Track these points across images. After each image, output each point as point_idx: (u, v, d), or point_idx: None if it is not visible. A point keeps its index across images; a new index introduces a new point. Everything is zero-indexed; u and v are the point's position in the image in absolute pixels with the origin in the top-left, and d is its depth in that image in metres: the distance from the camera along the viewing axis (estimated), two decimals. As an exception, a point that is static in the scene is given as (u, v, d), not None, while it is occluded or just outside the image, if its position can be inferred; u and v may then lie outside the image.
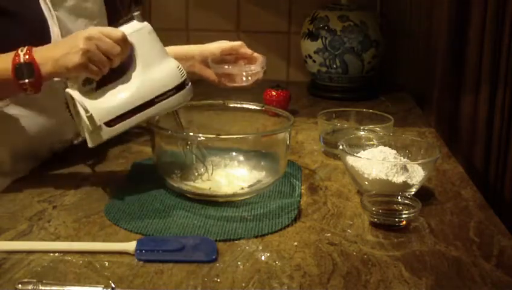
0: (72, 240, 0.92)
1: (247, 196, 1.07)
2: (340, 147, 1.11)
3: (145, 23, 1.04)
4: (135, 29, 1.03)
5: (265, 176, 1.11)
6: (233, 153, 1.16)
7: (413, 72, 1.94)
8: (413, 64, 1.93)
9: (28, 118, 1.13)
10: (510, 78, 1.31)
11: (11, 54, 0.99)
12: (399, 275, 0.84)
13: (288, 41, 2.05)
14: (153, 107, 1.03)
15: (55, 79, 1.04)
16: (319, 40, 1.79)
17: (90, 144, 1.02)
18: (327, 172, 1.22)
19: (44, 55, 0.99)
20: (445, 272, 0.85)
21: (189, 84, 1.06)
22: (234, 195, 1.07)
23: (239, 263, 0.86)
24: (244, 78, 1.25)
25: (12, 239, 0.92)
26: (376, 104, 1.71)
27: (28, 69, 0.97)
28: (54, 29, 1.12)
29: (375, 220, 0.98)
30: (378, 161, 1.07)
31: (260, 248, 0.91)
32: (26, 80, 0.98)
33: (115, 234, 0.94)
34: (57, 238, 0.92)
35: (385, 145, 1.15)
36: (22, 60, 0.97)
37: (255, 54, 1.27)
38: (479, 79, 1.43)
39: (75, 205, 1.04)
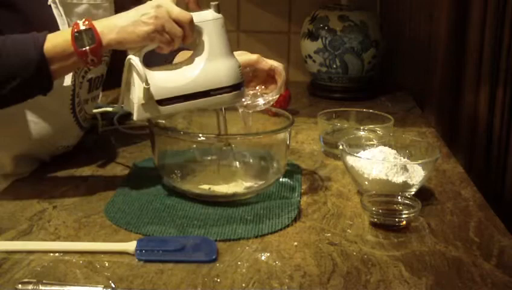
0: (72, 240, 0.92)
1: (247, 196, 1.07)
2: (340, 147, 1.11)
3: (220, 15, 1.03)
4: (211, 18, 1.02)
5: (265, 176, 1.11)
6: (234, 153, 1.16)
7: (413, 72, 1.94)
8: (413, 64, 1.93)
9: (31, 123, 1.13)
10: (510, 78, 1.31)
11: (69, 28, 0.98)
12: (399, 275, 0.84)
13: (288, 41, 2.05)
14: (206, 98, 1.01)
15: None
16: (319, 40, 1.79)
17: (135, 117, 1.00)
18: (327, 172, 1.22)
19: (106, 25, 0.97)
20: (445, 272, 0.85)
21: (244, 87, 1.05)
22: (234, 195, 1.07)
23: (239, 263, 0.86)
24: (262, 105, 1.15)
25: (12, 239, 0.92)
26: (376, 104, 1.71)
27: (88, 35, 0.96)
28: None
29: (375, 220, 0.98)
30: (378, 161, 1.07)
31: (260, 248, 0.91)
32: (87, 47, 0.96)
33: (115, 234, 0.94)
34: (57, 238, 0.92)
35: (385, 145, 1.15)
36: (81, 28, 0.96)
37: (274, 65, 1.15)
38: (479, 79, 1.43)
39: (75, 205, 1.04)
